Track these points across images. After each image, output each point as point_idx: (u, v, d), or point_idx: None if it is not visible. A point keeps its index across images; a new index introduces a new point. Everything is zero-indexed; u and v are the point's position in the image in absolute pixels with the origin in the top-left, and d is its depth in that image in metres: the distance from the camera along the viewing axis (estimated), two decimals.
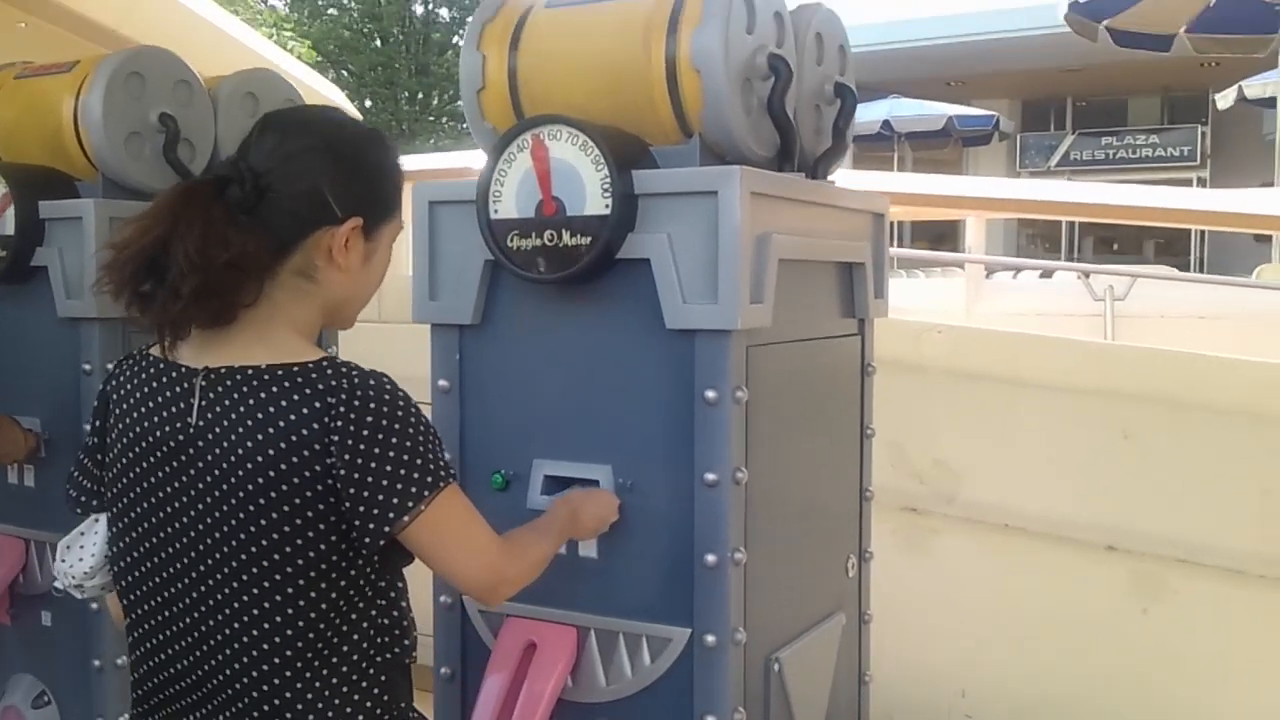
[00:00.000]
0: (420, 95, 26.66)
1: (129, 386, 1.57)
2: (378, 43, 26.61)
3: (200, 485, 1.47)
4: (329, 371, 1.47)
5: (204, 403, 1.49)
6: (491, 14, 2.04)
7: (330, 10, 26.47)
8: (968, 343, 3.79)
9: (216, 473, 1.46)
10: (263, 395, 1.46)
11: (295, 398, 1.45)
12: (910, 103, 18.19)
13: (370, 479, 1.43)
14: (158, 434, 1.51)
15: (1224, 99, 14.56)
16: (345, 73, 25.11)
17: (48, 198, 2.52)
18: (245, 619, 1.47)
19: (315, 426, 1.44)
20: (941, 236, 19.05)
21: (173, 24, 4.96)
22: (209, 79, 2.75)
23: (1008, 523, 3.57)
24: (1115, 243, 22.27)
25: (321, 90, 6.34)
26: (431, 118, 26.35)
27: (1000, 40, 18.60)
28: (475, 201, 1.90)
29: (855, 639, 2.32)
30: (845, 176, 2.42)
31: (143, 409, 1.54)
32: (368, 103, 24.78)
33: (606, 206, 1.81)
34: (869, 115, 16.87)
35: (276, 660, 1.47)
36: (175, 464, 1.49)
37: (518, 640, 1.94)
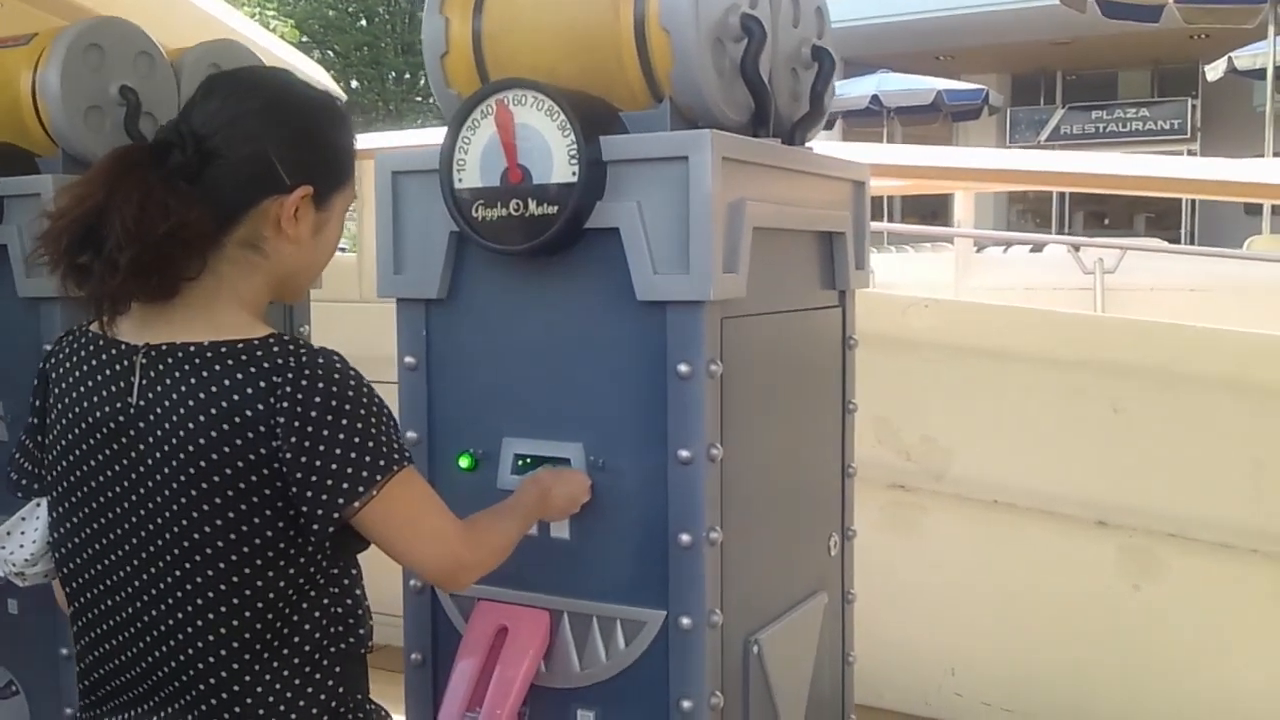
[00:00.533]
0: (407, 75, 26.48)
1: (68, 365, 1.50)
2: (363, 22, 26.41)
3: (142, 468, 1.41)
4: (275, 349, 1.40)
5: (144, 382, 1.42)
6: None
7: None
8: (956, 317, 3.75)
9: (159, 455, 1.39)
10: (205, 374, 1.39)
11: (239, 376, 1.38)
12: (899, 77, 18.04)
13: (319, 462, 1.37)
14: (98, 414, 1.44)
15: (1214, 71, 14.46)
16: (330, 53, 24.93)
17: (6, 174, 2.45)
18: (190, 608, 1.41)
19: (261, 407, 1.37)
20: (934, 213, 18.99)
21: (151, 3, 4.88)
22: (171, 50, 2.67)
23: (997, 499, 3.54)
24: (1106, 217, 22.24)
25: (304, 70, 6.26)
26: (419, 97, 26.14)
27: (989, 13, 18.53)
28: (438, 171, 1.83)
29: (838, 619, 2.27)
30: (836, 150, 2.35)
31: (82, 388, 1.47)
32: (354, 83, 24.62)
33: (574, 174, 1.74)
34: (857, 90, 16.75)
35: (223, 651, 1.41)
36: (116, 446, 1.43)
37: (489, 624, 1.88)
